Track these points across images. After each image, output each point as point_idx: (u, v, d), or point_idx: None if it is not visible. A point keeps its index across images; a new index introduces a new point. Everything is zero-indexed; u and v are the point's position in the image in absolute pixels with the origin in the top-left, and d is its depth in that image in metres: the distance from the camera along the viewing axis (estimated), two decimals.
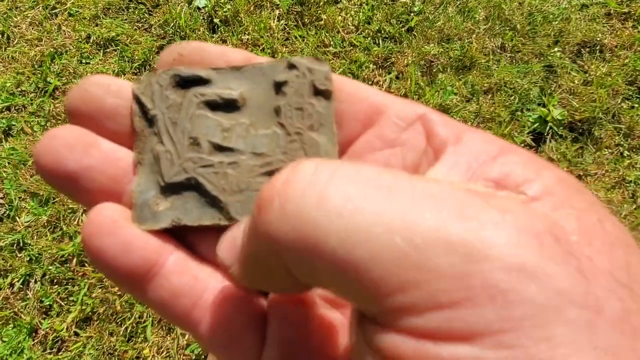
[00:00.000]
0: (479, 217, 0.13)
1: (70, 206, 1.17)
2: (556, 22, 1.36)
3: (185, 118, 0.23)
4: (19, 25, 1.44)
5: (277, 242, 0.15)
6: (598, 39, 1.34)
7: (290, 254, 0.15)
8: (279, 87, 0.23)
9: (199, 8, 1.42)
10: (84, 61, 1.37)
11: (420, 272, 0.13)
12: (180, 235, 0.22)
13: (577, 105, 1.24)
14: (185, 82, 0.23)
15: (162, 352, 1.04)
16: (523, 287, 0.12)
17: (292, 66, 0.23)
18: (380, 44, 1.36)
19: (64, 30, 1.42)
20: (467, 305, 0.12)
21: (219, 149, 0.22)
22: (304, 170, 0.15)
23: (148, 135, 0.23)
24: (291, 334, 0.20)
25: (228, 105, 0.23)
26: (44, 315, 1.09)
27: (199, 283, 0.20)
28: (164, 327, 1.06)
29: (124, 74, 1.33)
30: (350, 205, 0.14)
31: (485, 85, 1.28)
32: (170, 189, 0.22)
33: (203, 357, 1.04)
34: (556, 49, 1.33)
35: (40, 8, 1.46)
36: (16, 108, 1.32)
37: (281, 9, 1.40)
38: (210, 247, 0.21)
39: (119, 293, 1.09)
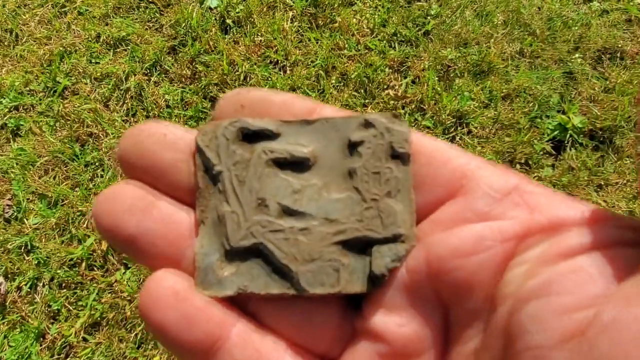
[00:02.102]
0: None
1: (80, 209, 1.15)
2: (576, 28, 1.33)
3: (253, 177, 0.21)
4: (27, 24, 1.42)
5: None
6: (619, 45, 1.31)
7: None
8: (354, 147, 0.21)
9: (210, 8, 1.40)
10: (93, 61, 1.35)
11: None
12: (242, 301, 0.21)
13: (597, 113, 1.22)
14: (253, 136, 0.22)
15: None
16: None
17: (368, 124, 0.21)
18: (396, 47, 1.33)
19: (73, 29, 1.40)
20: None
21: (289, 212, 0.21)
22: None
23: (212, 192, 0.21)
24: None
25: (298, 164, 0.21)
26: (52, 320, 1.07)
27: (262, 356, 0.20)
28: None
29: (135, 75, 1.30)
30: None
31: (504, 91, 1.26)
32: (235, 253, 0.21)
33: None
34: (576, 55, 1.30)
35: (50, 6, 1.44)
36: (24, 108, 1.29)
37: (295, 11, 1.38)
38: (273, 316, 0.21)
39: (128, 298, 1.06)
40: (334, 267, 0.20)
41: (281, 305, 0.21)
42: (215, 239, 0.21)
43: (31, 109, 1.29)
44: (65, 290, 1.09)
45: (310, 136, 0.22)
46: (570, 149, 1.19)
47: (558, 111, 1.24)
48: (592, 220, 0.18)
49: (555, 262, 0.17)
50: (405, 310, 0.20)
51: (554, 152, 1.20)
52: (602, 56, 1.32)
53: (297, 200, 0.21)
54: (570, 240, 0.17)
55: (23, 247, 1.12)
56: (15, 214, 1.16)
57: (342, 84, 1.28)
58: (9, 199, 1.18)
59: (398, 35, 1.35)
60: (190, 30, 1.35)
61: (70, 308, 1.07)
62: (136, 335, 1.04)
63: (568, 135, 1.19)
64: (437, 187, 0.20)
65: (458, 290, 0.19)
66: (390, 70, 1.30)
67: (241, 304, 0.21)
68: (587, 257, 0.16)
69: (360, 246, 0.21)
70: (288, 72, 1.30)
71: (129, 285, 1.07)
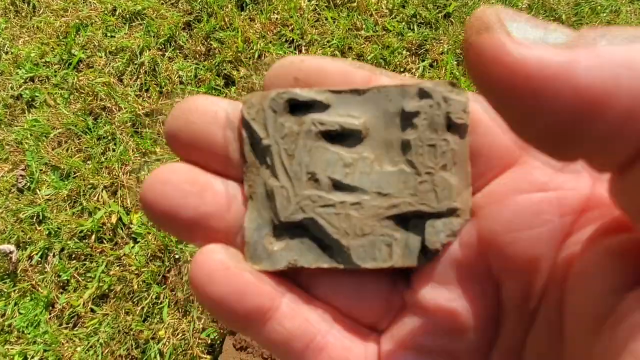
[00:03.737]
0: None
1: (91, 181, 1.15)
2: (604, 14, 1.28)
3: (302, 150, 0.20)
4: None
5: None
6: None
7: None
8: (408, 117, 0.20)
9: None
10: (109, 34, 1.35)
11: None
12: (293, 274, 0.21)
13: None
14: (301, 107, 0.21)
15: (178, 334, 1.03)
16: None
17: (424, 93, 0.20)
18: (415, 29, 1.30)
19: (89, 2, 1.39)
20: None
21: (340, 186, 0.20)
22: None
23: (260, 166, 0.21)
24: None
25: (349, 136, 0.20)
26: (61, 290, 1.09)
27: (310, 326, 0.20)
28: (180, 309, 1.05)
29: (149, 49, 1.29)
30: None
31: None
32: (285, 228, 0.21)
33: (218, 342, 1.02)
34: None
35: None
36: (40, 79, 1.30)
37: None
38: (324, 287, 0.21)
39: (136, 272, 1.07)
40: (386, 242, 0.20)
41: (332, 277, 0.21)
42: (264, 214, 0.21)
43: (46, 80, 1.30)
44: (74, 261, 1.10)
45: (361, 107, 0.20)
46: None
47: None
48: None
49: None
50: (455, 285, 0.19)
51: None
52: None
53: (348, 174, 0.20)
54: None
55: (35, 217, 1.13)
56: (28, 184, 1.17)
57: None
58: (23, 170, 1.19)
59: (417, 16, 1.31)
60: (205, 6, 1.34)
61: (79, 279, 1.08)
62: (142, 308, 1.05)
63: None
64: (494, 159, 0.19)
65: (511, 267, 0.18)
66: (408, 53, 1.27)
67: (292, 276, 0.21)
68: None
69: (413, 220, 0.20)
70: (304, 51, 1.28)
71: (136, 259, 1.07)
